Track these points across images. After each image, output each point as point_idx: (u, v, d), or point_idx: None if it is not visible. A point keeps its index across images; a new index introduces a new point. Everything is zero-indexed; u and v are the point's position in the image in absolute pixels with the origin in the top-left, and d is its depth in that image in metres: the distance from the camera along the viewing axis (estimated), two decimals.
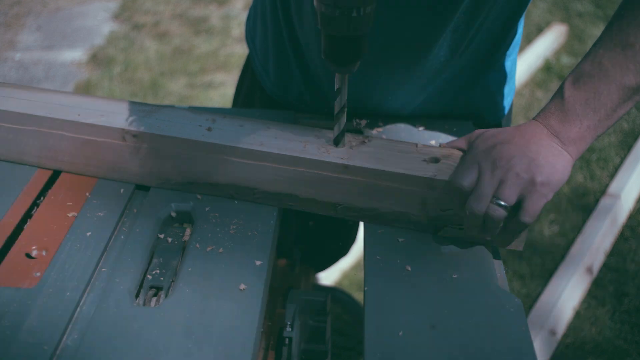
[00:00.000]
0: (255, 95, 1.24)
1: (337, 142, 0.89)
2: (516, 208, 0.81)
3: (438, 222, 0.88)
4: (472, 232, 0.84)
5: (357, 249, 2.20)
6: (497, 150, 0.81)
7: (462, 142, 0.90)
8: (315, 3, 0.76)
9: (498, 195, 0.79)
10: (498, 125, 1.14)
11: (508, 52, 1.07)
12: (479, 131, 0.88)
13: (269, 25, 1.10)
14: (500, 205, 0.79)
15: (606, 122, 0.82)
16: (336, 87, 0.85)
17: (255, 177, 0.90)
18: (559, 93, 0.84)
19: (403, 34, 0.93)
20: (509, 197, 0.79)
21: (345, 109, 0.87)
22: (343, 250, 1.67)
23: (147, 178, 0.94)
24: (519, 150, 0.81)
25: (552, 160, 0.80)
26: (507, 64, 1.09)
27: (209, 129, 0.91)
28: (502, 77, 1.10)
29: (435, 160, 0.88)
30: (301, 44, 1.05)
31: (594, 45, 0.85)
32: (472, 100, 1.09)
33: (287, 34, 1.06)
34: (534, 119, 0.86)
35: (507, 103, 1.15)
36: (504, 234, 0.85)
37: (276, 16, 1.07)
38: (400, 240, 0.88)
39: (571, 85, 0.83)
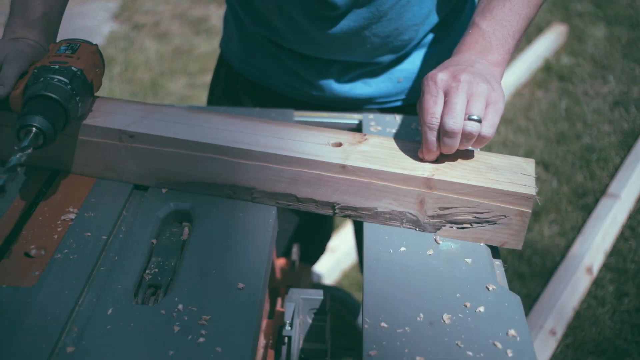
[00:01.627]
0: (236, 88, 1.30)
1: None
2: None
3: (437, 222, 0.88)
4: (435, 152, 0.86)
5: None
6: (452, 71, 0.86)
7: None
8: None
9: (470, 110, 0.84)
10: None
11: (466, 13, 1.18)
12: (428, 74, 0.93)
13: (237, 15, 1.21)
14: (474, 120, 0.83)
15: (516, 46, 0.95)
16: None
17: (253, 177, 0.90)
18: (475, 26, 0.94)
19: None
20: (480, 110, 0.84)
21: None
22: (321, 246, 1.68)
23: (146, 178, 0.94)
24: (470, 68, 0.87)
25: (495, 76, 0.90)
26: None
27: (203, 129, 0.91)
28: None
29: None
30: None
31: None
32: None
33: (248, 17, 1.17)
34: (458, 51, 0.93)
35: None
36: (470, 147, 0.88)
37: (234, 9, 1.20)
38: (399, 240, 0.88)
39: (485, 19, 0.94)
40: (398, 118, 1.09)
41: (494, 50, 0.92)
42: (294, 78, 1.18)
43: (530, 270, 2.21)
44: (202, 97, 3.08)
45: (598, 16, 3.80)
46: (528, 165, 0.88)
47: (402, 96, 1.18)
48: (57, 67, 0.85)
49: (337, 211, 0.90)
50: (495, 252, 0.89)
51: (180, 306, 0.76)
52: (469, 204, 0.86)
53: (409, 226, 0.89)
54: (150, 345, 0.71)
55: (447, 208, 0.86)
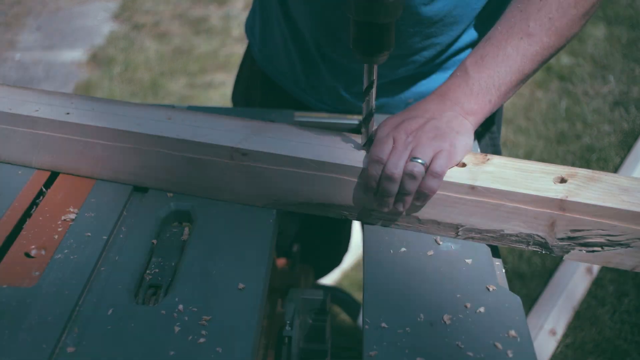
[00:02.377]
0: (256, 85, 1.27)
1: (367, 145, 0.88)
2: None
3: (566, 244, 0.85)
4: (383, 203, 0.85)
5: (357, 249, 2.20)
6: (406, 123, 0.86)
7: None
8: None
9: (414, 154, 0.83)
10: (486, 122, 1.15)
11: None
12: (385, 119, 0.91)
13: (266, 7, 1.15)
14: (417, 162, 0.82)
15: (502, 99, 0.91)
16: (365, 84, 0.83)
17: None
18: (463, 69, 0.90)
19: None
20: (425, 154, 0.83)
21: (374, 112, 0.86)
22: (337, 258, 1.68)
23: (257, 199, 0.91)
24: (426, 121, 0.86)
25: (456, 128, 0.87)
26: None
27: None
28: None
29: (563, 180, 0.86)
30: (298, 26, 1.09)
31: (497, 28, 0.91)
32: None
33: (282, 16, 1.12)
34: (437, 92, 0.91)
35: None
36: (414, 204, 0.86)
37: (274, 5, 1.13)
38: (399, 240, 0.88)
39: (475, 64, 0.90)
40: None
41: (472, 98, 0.89)
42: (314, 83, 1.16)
43: (530, 270, 2.21)
44: (202, 97, 3.08)
45: (598, 16, 3.80)
46: None
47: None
48: None
49: (460, 233, 0.88)
50: (496, 252, 0.89)
51: (180, 306, 0.76)
52: (603, 227, 0.82)
53: (535, 248, 0.87)
54: (151, 345, 0.71)
55: (579, 230, 0.83)
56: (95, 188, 0.94)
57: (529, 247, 0.87)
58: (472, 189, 0.84)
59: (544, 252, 0.86)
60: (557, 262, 2.22)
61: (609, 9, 3.85)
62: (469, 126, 0.88)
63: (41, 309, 0.74)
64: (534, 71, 0.92)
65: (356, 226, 1.78)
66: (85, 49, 3.45)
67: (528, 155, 2.71)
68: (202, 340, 0.72)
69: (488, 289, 0.80)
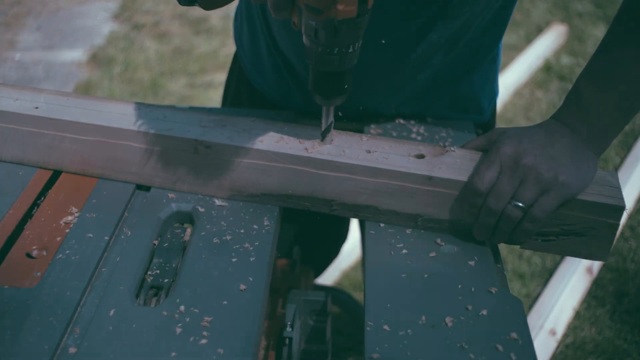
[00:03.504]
0: (243, 93, 1.26)
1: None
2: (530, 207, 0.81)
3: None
4: (483, 233, 0.84)
5: (357, 249, 2.20)
6: (520, 149, 0.81)
7: (483, 141, 0.89)
8: (306, 42, 0.76)
9: (517, 196, 0.79)
10: (484, 126, 1.14)
11: (491, 57, 1.09)
12: (499, 129, 0.88)
13: (256, 26, 1.13)
14: (517, 207, 0.79)
15: (626, 119, 0.83)
16: (323, 126, 0.87)
17: (334, 189, 0.88)
18: (575, 92, 0.84)
19: (379, 37, 0.94)
20: (528, 198, 0.79)
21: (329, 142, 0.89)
22: (334, 251, 1.67)
23: (218, 189, 0.92)
24: (542, 150, 0.80)
25: (576, 160, 0.81)
26: (492, 67, 1.11)
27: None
28: (484, 79, 1.11)
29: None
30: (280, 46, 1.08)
31: (608, 42, 0.84)
32: (453, 102, 1.10)
33: (267, 35, 1.10)
34: (553, 117, 0.86)
35: (489, 106, 1.16)
36: (514, 234, 0.84)
37: (258, 20, 1.11)
38: (400, 240, 0.88)
39: (588, 84, 0.83)
40: (402, 121, 1.09)
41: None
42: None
43: (530, 270, 2.21)
44: (202, 97, 3.08)
45: (598, 16, 3.80)
46: (613, 178, 0.86)
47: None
48: None
49: (419, 223, 0.89)
50: (496, 252, 0.89)
51: (182, 307, 0.76)
52: (557, 217, 0.83)
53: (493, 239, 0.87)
54: (152, 346, 0.71)
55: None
56: (97, 189, 0.94)
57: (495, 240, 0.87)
58: (430, 179, 0.85)
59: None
60: (557, 262, 2.22)
61: (609, 9, 3.85)
62: (590, 156, 0.83)
63: (42, 309, 0.74)
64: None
65: (355, 226, 1.78)
66: (85, 49, 3.45)
67: None
68: (203, 341, 0.72)
69: (490, 292, 0.80)
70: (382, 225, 0.90)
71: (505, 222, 0.81)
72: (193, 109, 0.99)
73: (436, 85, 1.06)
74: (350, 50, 0.75)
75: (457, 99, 1.09)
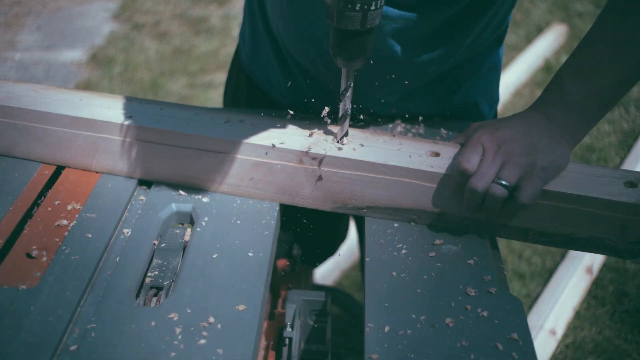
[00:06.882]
0: (242, 88, 1.26)
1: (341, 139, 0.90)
2: (515, 190, 0.83)
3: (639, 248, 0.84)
4: (471, 210, 0.86)
5: (357, 249, 2.20)
6: (500, 134, 0.85)
7: (461, 138, 0.93)
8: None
9: (500, 175, 0.82)
10: None
11: (491, 64, 1.10)
12: (475, 123, 0.91)
13: (255, 16, 1.14)
14: (502, 185, 0.82)
15: (602, 113, 0.87)
16: (342, 86, 0.86)
17: (445, 202, 0.88)
18: (557, 83, 0.87)
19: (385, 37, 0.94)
20: (510, 177, 0.82)
21: (349, 112, 0.88)
22: (333, 247, 1.67)
23: (322, 202, 0.92)
24: (520, 136, 0.84)
25: (552, 147, 0.84)
26: (493, 74, 1.12)
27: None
28: (484, 87, 1.12)
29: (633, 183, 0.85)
30: (275, 36, 1.08)
31: (591, 37, 0.87)
32: (452, 109, 1.10)
33: (263, 24, 1.10)
34: (532, 107, 0.89)
35: (490, 112, 1.17)
36: (500, 215, 0.86)
37: (252, 7, 1.12)
38: (399, 240, 0.88)
39: (570, 78, 0.86)
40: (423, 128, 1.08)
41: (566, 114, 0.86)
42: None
43: (530, 270, 2.21)
44: (202, 97, 3.08)
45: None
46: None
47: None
48: None
49: (530, 237, 0.88)
50: (497, 255, 0.89)
51: (181, 308, 0.76)
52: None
53: (604, 253, 0.86)
54: (152, 346, 0.71)
55: None
56: (97, 189, 0.94)
57: (598, 252, 0.87)
58: (546, 192, 0.84)
59: (612, 255, 0.87)
60: (557, 262, 2.22)
61: None
62: (565, 145, 0.86)
63: (42, 309, 0.74)
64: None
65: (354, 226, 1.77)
66: (85, 49, 3.44)
67: None
68: (202, 341, 0.72)
69: (490, 292, 0.80)
70: (381, 225, 0.90)
71: (491, 201, 0.83)
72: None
73: (433, 92, 1.06)
74: (373, 7, 0.75)
75: (455, 107, 1.09)
